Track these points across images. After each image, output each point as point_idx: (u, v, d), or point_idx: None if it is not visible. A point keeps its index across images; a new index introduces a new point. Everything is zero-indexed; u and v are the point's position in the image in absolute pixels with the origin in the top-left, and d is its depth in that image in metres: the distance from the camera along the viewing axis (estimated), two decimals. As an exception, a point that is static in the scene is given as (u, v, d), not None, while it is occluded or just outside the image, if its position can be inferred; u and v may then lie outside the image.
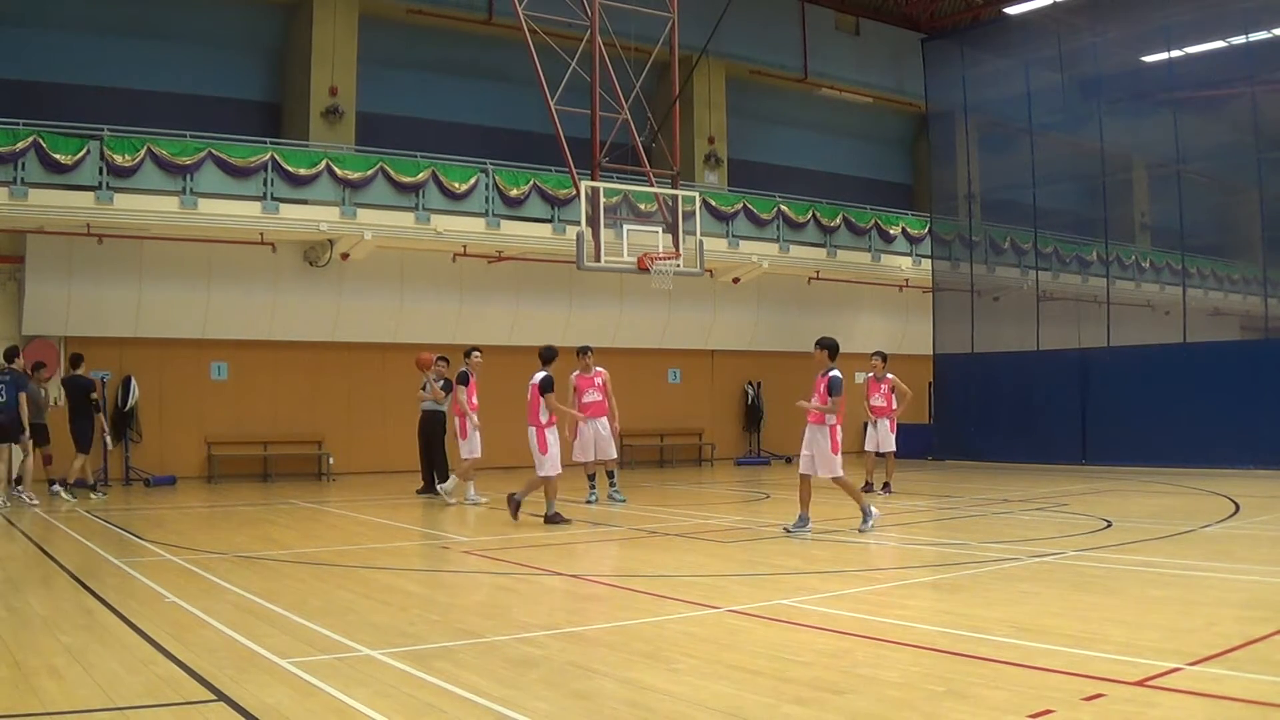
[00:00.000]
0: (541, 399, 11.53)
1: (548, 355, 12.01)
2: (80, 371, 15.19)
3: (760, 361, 24.27)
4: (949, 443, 22.44)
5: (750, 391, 24.25)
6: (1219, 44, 20.48)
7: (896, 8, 27.19)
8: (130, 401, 17.63)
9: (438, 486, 14.54)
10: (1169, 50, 20.52)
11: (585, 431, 13.77)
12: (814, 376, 10.55)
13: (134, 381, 17.69)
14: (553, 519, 11.52)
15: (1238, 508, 12.36)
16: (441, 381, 15.42)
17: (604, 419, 13.79)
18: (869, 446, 15.47)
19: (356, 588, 7.84)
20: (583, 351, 14.22)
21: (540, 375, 11.71)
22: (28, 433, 13.90)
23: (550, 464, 11.56)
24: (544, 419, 11.60)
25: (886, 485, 15.18)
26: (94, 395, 15.15)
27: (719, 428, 23.69)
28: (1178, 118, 20.73)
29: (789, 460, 22.62)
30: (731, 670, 5.26)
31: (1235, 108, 20.89)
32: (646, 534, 11.18)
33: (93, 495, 14.83)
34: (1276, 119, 19.83)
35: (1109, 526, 10.93)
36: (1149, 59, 21.25)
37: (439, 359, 15.62)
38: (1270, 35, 19.33)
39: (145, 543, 10.26)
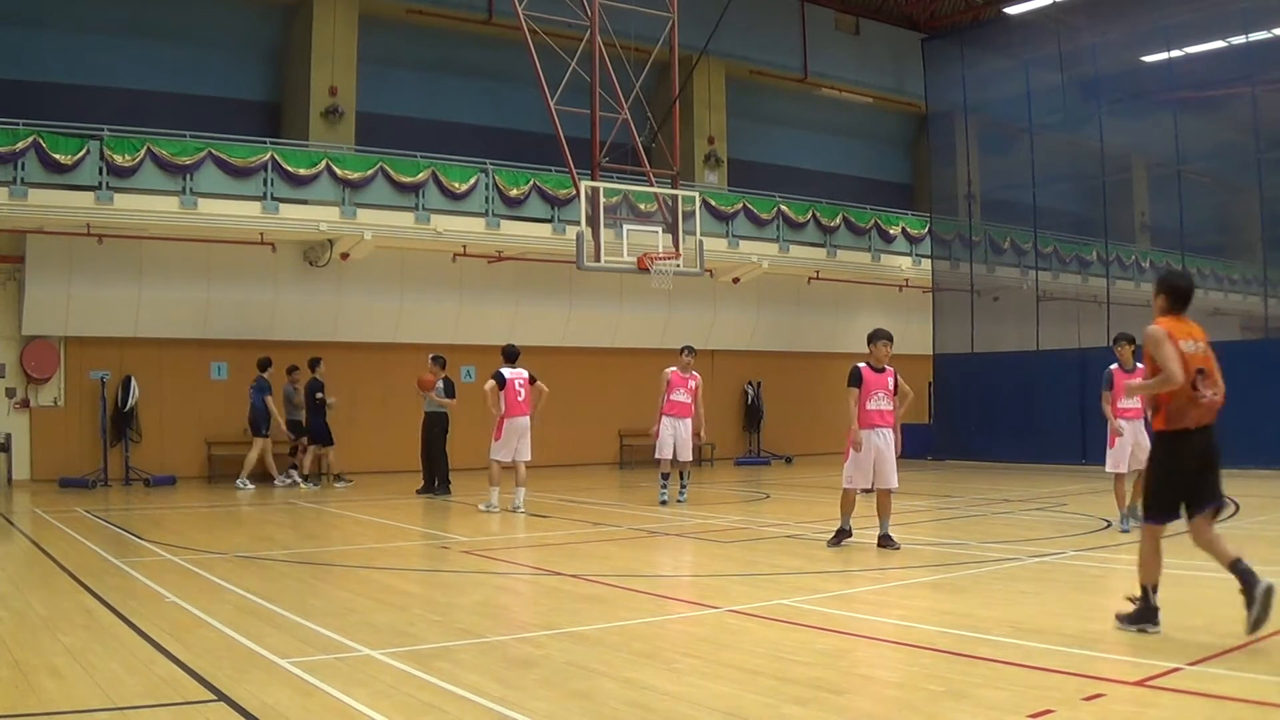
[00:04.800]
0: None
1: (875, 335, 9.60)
2: (316, 374, 16.95)
3: (760, 361, 24.26)
4: (949, 443, 22.43)
5: (750, 391, 24.23)
6: (1219, 44, 20.48)
7: (896, 8, 27.18)
8: (130, 401, 17.59)
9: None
10: (1169, 50, 20.52)
11: (666, 430, 13.90)
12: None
13: (134, 381, 17.66)
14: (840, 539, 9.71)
15: (1238, 508, 12.34)
16: (440, 383, 15.41)
17: (688, 420, 14.05)
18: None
19: (356, 588, 7.84)
20: (686, 350, 14.40)
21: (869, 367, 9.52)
22: (266, 430, 16.55)
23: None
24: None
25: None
26: (319, 395, 16.81)
27: (719, 428, 23.65)
28: (1178, 118, 20.72)
29: (789, 460, 22.64)
30: (731, 670, 5.26)
31: (1235, 108, 20.87)
32: (646, 534, 11.18)
33: (303, 485, 16.76)
34: (1276, 119, 19.82)
35: (1109, 526, 10.93)
36: (1149, 59, 21.25)
37: (433, 357, 15.60)
38: (1270, 35, 19.33)
39: (145, 543, 10.26)
